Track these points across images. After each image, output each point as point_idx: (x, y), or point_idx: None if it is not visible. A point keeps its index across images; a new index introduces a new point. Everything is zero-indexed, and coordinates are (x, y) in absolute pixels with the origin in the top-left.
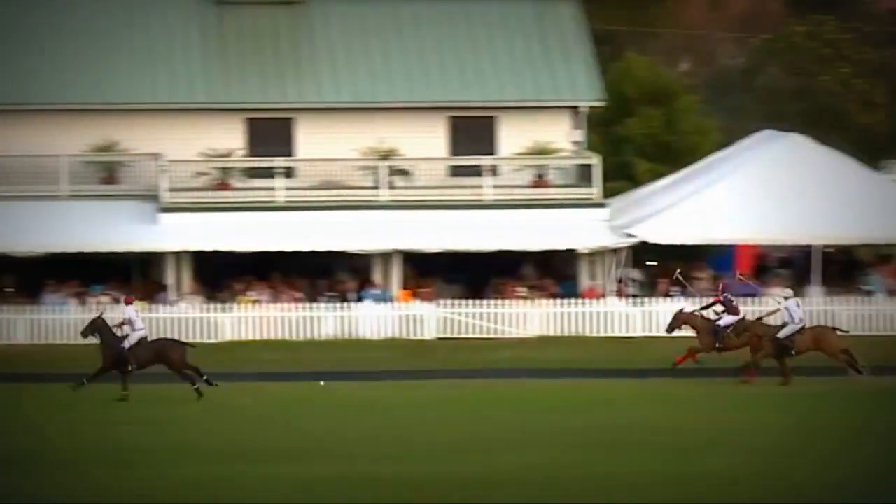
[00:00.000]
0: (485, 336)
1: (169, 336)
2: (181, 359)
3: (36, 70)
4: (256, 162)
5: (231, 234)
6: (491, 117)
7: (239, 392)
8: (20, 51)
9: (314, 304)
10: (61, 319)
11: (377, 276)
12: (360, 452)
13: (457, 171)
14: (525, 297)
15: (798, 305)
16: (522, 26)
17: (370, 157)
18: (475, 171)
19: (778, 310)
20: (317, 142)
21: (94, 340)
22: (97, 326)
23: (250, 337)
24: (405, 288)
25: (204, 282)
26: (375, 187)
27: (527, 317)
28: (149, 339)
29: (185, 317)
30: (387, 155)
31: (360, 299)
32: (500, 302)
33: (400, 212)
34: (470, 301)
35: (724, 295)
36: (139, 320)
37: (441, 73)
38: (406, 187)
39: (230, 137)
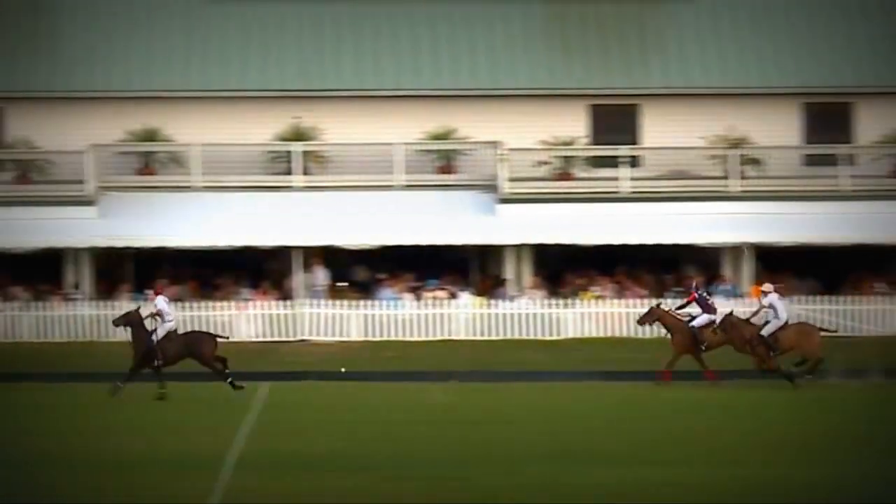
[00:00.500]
0: (843, 334)
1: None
2: (212, 352)
3: (377, 55)
4: (600, 151)
5: (573, 227)
6: (847, 104)
7: (565, 392)
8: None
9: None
10: (395, 315)
11: (727, 271)
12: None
13: (811, 161)
14: (885, 294)
15: (781, 299)
16: (882, 7)
17: (719, 146)
18: (830, 161)
19: (763, 308)
20: (662, 129)
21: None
22: (131, 319)
23: (593, 334)
24: (756, 283)
25: (544, 276)
26: (725, 177)
27: (886, 314)
28: (178, 331)
29: (524, 313)
30: (737, 143)
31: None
32: (857, 298)
33: (751, 203)
34: (825, 297)
35: (699, 293)
36: (170, 312)
37: (795, 59)
38: (758, 177)
39: (572, 125)
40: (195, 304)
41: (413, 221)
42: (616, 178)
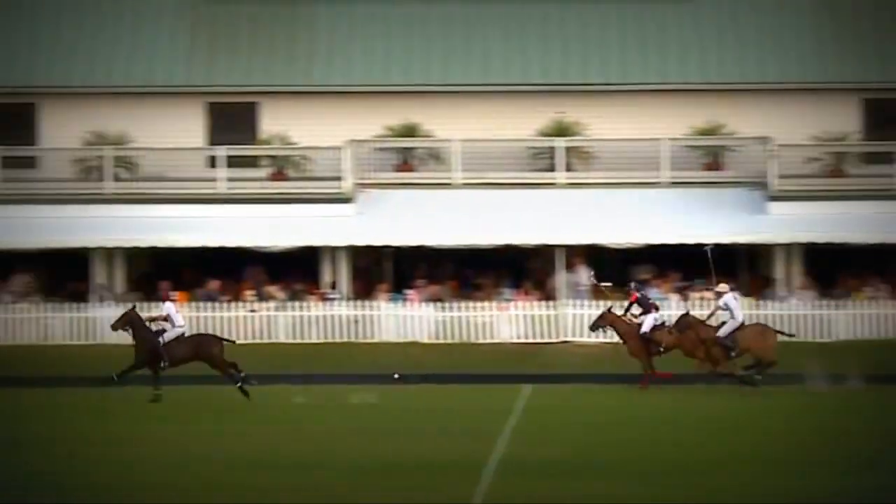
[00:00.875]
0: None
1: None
2: (220, 355)
3: (644, 48)
4: (874, 146)
5: (844, 225)
6: None
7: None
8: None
9: None
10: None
11: None
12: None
13: None
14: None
15: (736, 300)
16: None
17: None
18: None
19: (719, 309)
20: None
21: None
22: (130, 319)
23: (866, 336)
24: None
25: (815, 276)
26: None
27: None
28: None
29: (794, 313)
30: None
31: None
32: None
33: None
34: None
35: (641, 293)
36: (179, 317)
37: None
38: None
39: (843, 120)
40: (455, 305)
41: (679, 220)
42: (891, 175)
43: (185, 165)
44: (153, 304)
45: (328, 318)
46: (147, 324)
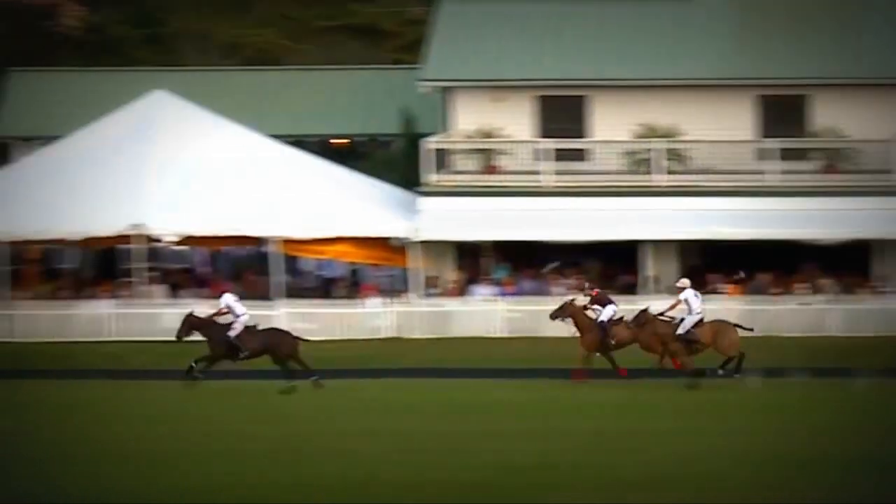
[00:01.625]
0: None
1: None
2: (291, 351)
3: None
4: None
5: None
6: None
7: None
8: None
9: None
10: None
11: None
12: None
13: None
14: None
15: (697, 296)
16: None
17: None
18: None
19: (679, 304)
20: None
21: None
22: (192, 324)
23: None
24: None
25: None
26: None
27: None
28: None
29: None
30: None
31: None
32: None
33: None
34: None
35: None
36: (239, 306)
37: None
38: None
39: None
40: None
41: None
42: None
43: (734, 158)
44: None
45: (881, 311)
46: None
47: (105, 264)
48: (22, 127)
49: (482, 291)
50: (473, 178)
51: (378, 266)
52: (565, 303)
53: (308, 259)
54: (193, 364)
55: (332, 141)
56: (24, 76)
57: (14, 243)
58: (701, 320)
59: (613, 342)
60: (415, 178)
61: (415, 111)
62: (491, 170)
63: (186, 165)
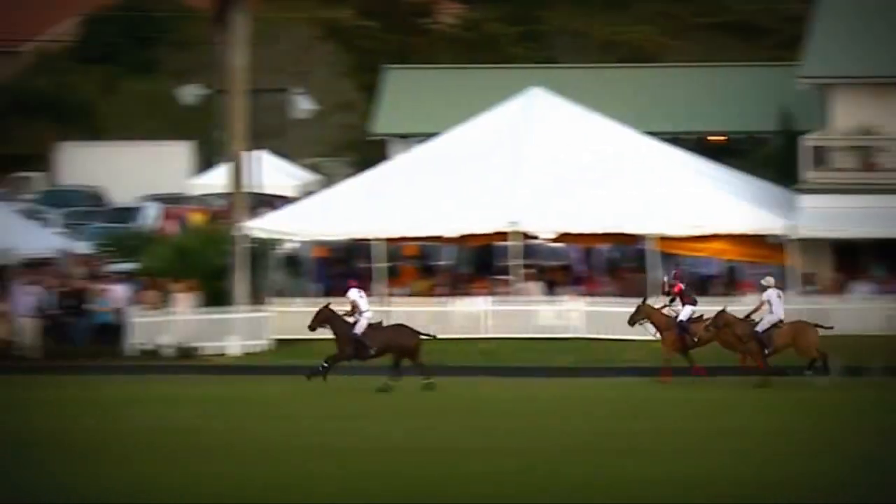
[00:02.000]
0: None
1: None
2: (416, 348)
3: None
4: None
5: None
6: None
7: None
8: None
9: None
10: None
11: None
12: None
13: None
14: None
15: (779, 297)
16: None
17: None
18: None
19: (763, 305)
20: None
21: None
22: (325, 317)
23: None
24: None
25: None
26: None
27: None
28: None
29: None
30: None
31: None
32: None
33: None
34: None
35: (684, 284)
36: (363, 302)
37: None
38: None
39: None
40: None
41: None
42: None
43: None
44: None
45: None
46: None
47: (481, 261)
48: (399, 124)
49: (861, 289)
50: (852, 175)
51: (755, 263)
52: (639, 305)
53: (685, 257)
54: (324, 364)
55: (708, 138)
56: (400, 73)
57: (390, 240)
58: (781, 321)
59: (695, 340)
60: (791, 175)
61: (792, 108)
62: (870, 167)
63: (562, 162)
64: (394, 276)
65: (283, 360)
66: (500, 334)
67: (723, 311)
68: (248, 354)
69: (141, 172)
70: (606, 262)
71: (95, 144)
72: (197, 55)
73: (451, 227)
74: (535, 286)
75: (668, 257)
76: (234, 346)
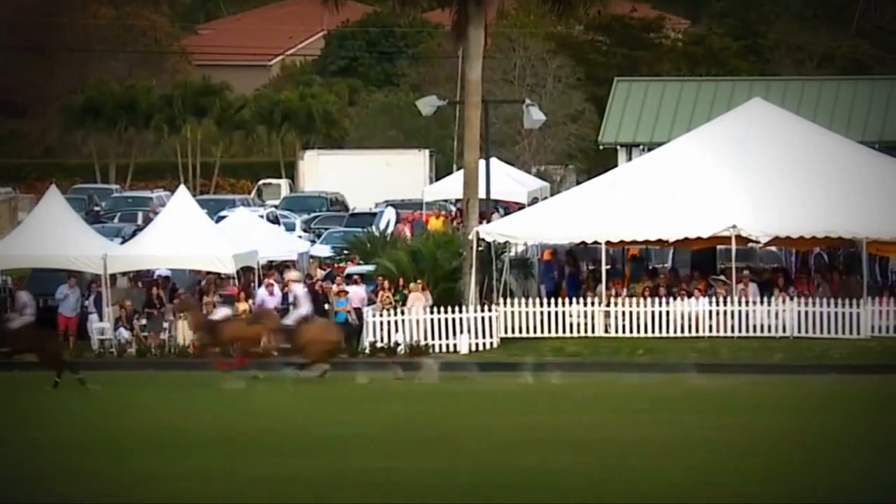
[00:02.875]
0: None
1: None
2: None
3: None
4: None
5: None
6: None
7: None
8: None
9: None
10: None
11: None
12: None
13: None
14: None
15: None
16: None
17: None
18: None
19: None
20: None
21: None
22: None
23: None
24: None
25: None
26: None
27: None
28: None
29: None
30: None
31: None
32: None
33: None
34: None
35: None
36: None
37: None
38: None
39: None
40: None
41: None
42: None
43: None
44: None
45: None
46: None
47: (700, 263)
48: (626, 133)
49: None
50: None
51: None
52: None
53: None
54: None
55: None
56: (629, 85)
57: (611, 244)
58: (307, 316)
59: None
60: None
61: None
62: None
63: (779, 170)
64: (617, 277)
65: (509, 357)
66: (716, 333)
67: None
68: (476, 352)
69: (379, 179)
70: (819, 265)
71: (337, 153)
72: (435, 68)
73: (673, 232)
74: (751, 287)
75: (874, 260)
76: (463, 343)
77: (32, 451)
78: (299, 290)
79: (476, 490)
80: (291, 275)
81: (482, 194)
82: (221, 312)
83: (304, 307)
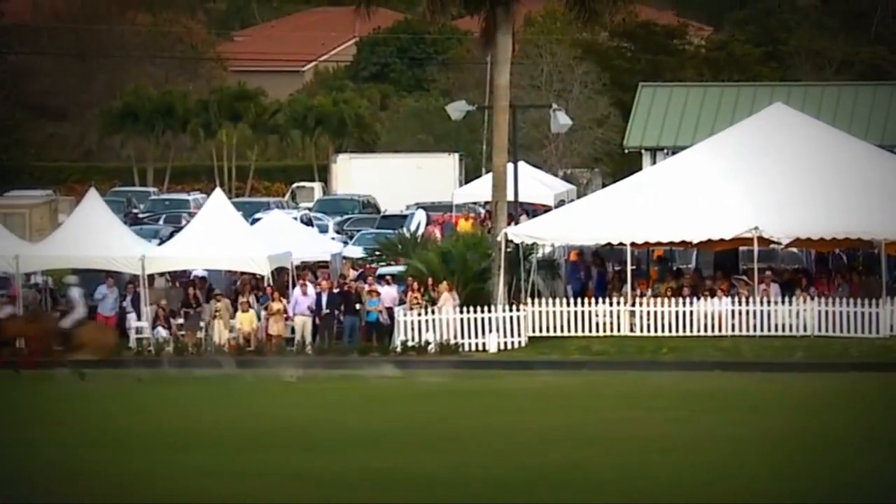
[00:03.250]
0: None
1: None
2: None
3: None
4: None
5: None
6: None
7: None
8: None
9: None
10: None
11: None
12: None
13: None
14: None
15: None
16: None
17: None
18: None
19: None
20: None
21: None
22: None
23: None
24: None
25: None
26: None
27: None
28: None
29: None
30: None
31: None
32: None
33: None
34: None
35: None
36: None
37: None
38: None
39: None
40: None
41: None
42: None
43: None
44: None
45: None
46: None
47: (725, 265)
48: (650, 137)
49: None
50: None
51: None
52: None
53: None
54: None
55: None
56: (653, 90)
57: (635, 245)
58: (84, 318)
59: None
60: None
61: None
62: None
63: (800, 173)
64: (642, 277)
65: (537, 356)
66: (738, 333)
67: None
68: (504, 350)
69: (410, 182)
70: (838, 266)
71: (369, 156)
72: (464, 73)
73: (696, 233)
74: (773, 287)
75: (892, 260)
76: (492, 342)
77: (58, 449)
78: (75, 293)
79: (501, 487)
80: (69, 278)
81: (510, 197)
82: (5, 311)
83: (80, 310)
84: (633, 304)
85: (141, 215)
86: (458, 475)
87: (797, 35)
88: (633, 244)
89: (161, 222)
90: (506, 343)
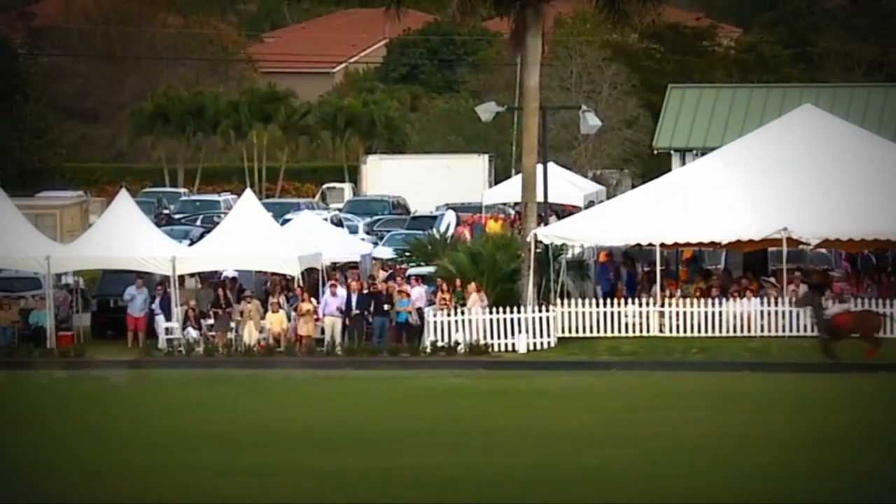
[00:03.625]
0: None
1: None
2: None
3: None
4: None
5: None
6: None
7: None
8: None
9: None
10: None
11: None
12: None
13: None
14: None
15: None
16: None
17: None
18: None
19: None
20: None
21: None
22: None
23: None
24: None
25: None
26: None
27: None
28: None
29: None
30: None
31: None
32: None
33: None
34: None
35: None
36: None
37: None
38: None
39: None
40: None
41: None
42: None
43: None
44: None
45: None
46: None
47: (754, 265)
48: (680, 138)
49: None
50: None
51: None
52: None
53: None
54: None
55: None
56: (683, 91)
57: (665, 245)
58: None
59: None
60: None
61: None
62: None
63: (829, 174)
64: (671, 278)
65: (566, 356)
66: (767, 333)
67: None
68: (533, 351)
69: (439, 183)
70: (867, 266)
71: (399, 157)
72: (494, 75)
73: (726, 234)
74: (801, 288)
75: None
76: (521, 343)
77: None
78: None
79: (535, 485)
80: None
81: (540, 198)
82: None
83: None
84: (663, 305)
85: (175, 216)
86: (493, 473)
87: (826, 36)
88: (662, 245)
89: (198, 222)
90: (535, 344)
